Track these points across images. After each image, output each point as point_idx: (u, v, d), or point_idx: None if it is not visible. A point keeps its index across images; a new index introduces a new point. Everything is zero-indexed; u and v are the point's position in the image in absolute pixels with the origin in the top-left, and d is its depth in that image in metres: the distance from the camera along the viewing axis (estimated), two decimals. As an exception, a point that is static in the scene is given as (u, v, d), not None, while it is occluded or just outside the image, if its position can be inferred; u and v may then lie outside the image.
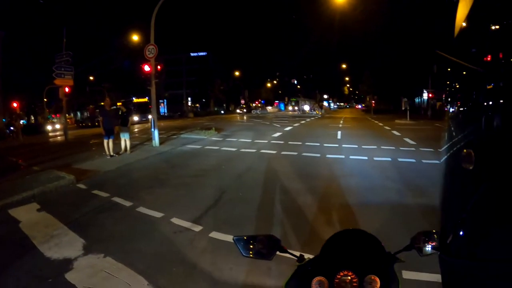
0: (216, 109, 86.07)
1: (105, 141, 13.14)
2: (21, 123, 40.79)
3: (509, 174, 1.17)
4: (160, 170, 10.84)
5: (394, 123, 29.45)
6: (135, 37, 31.44)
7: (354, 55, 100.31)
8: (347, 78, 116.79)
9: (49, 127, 41.92)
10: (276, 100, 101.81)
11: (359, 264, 1.42)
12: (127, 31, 45.41)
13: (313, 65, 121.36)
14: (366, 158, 11.61)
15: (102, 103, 16.37)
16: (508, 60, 1.29)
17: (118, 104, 26.54)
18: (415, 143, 15.21)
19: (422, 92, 49.92)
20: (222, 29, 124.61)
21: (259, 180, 8.90)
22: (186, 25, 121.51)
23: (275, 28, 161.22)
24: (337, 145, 14.99)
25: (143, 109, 52.94)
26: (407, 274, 3.66)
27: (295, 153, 12.97)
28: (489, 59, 1.36)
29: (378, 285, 1.37)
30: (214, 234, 5.32)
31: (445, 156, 1.55)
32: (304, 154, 12.81)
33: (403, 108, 37.79)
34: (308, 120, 38.72)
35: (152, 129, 16.54)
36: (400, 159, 11.20)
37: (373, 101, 62.15)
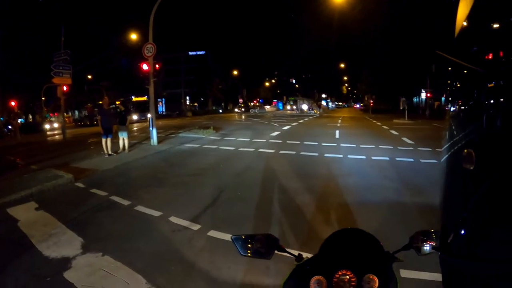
0: (214, 108, 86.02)
1: (104, 140, 13.14)
2: (19, 121, 40.79)
3: (511, 172, 1.17)
4: (158, 169, 10.83)
5: (392, 123, 29.50)
6: (133, 36, 31.35)
7: (353, 55, 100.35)
8: (345, 78, 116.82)
9: (47, 126, 41.85)
10: (275, 99, 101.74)
11: (358, 264, 1.42)
12: (126, 29, 45.17)
13: (311, 65, 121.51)
14: (364, 157, 11.63)
15: (101, 102, 16.35)
16: (508, 58, 1.29)
17: (117, 103, 26.51)
18: (413, 142, 15.25)
19: (420, 92, 49.96)
20: (220, 28, 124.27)
21: (257, 179, 8.91)
22: (185, 24, 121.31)
23: (273, 27, 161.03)
24: (335, 144, 15.00)
25: (142, 108, 52.96)
26: (404, 273, 3.67)
27: (293, 152, 12.98)
28: (490, 57, 1.36)
29: (377, 284, 1.37)
30: (213, 233, 5.33)
31: (446, 155, 1.53)
32: (302, 153, 12.82)
33: (401, 108, 37.81)
34: (306, 119, 38.73)
35: (150, 128, 16.51)
36: (398, 159, 11.22)
37: (371, 101, 62.29)
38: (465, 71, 1.62)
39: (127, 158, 12.81)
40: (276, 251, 1.62)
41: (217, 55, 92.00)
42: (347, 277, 1.39)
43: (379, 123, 29.34)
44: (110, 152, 13.23)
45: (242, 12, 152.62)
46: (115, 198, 7.47)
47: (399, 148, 13.66)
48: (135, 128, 31.25)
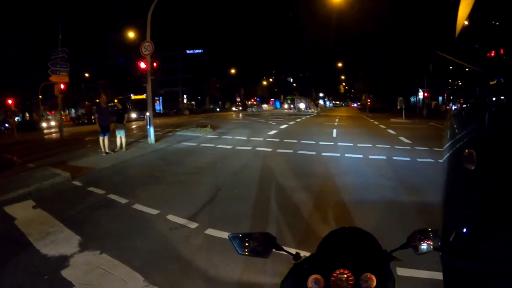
0: (211, 106, 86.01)
1: (101, 138, 13.13)
2: (16, 120, 40.59)
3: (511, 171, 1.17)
4: (155, 168, 10.83)
5: (390, 122, 29.56)
6: (131, 34, 31.26)
7: (350, 54, 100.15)
8: (343, 77, 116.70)
9: (44, 124, 41.70)
10: (272, 98, 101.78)
11: (355, 262, 1.43)
12: (123, 27, 45.12)
13: (309, 63, 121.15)
14: (361, 156, 11.65)
15: (98, 100, 16.33)
16: (509, 56, 1.29)
17: (115, 101, 26.47)
18: (410, 142, 15.28)
19: (418, 91, 50.03)
20: (218, 27, 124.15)
21: (254, 177, 8.91)
22: (182, 22, 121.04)
23: (271, 26, 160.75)
24: (332, 143, 15.02)
25: (141, 106, 52.88)
26: (401, 271, 3.69)
27: (291, 151, 12.99)
28: (492, 54, 1.36)
29: (374, 283, 1.37)
30: (210, 231, 5.34)
31: (447, 154, 1.53)
32: (299, 152, 12.83)
33: (398, 107, 37.91)
34: (303, 118, 38.74)
35: (148, 127, 16.49)
36: (395, 158, 11.24)
37: (369, 100, 62.29)
38: (467, 69, 1.62)
39: (124, 156, 12.80)
40: (273, 250, 1.61)
41: (214, 54, 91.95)
42: (345, 276, 1.39)
43: (376, 122, 29.38)
44: (107, 151, 13.22)
45: (240, 11, 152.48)
46: (112, 196, 7.47)
47: (396, 147, 13.69)
48: (134, 126, 31.25)
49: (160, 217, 6.09)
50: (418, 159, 10.91)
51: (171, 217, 6.00)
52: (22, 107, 67.41)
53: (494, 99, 1.34)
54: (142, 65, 16.57)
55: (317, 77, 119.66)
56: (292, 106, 78.94)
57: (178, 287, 3.85)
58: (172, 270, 4.18)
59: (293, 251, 1.62)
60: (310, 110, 64.66)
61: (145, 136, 17.41)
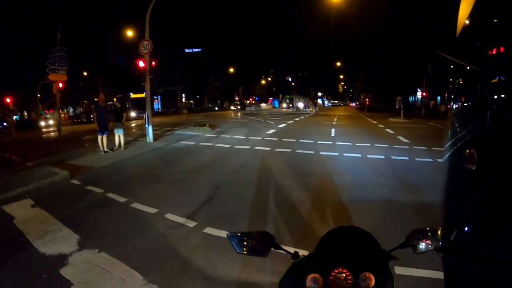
0: (210, 105, 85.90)
1: (99, 137, 13.11)
2: (14, 118, 40.53)
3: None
4: (154, 166, 10.83)
5: (388, 121, 29.60)
6: (129, 33, 31.21)
7: (349, 53, 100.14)
8: (341, 76, 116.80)
9: (42, 123, 41.65)
10: (270, 97, 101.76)
11: (354, 261, 1.42)
12: (122, 26, 45.06)
13: (308, 63, 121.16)
14: (359, 155, 11.67)
15: (96, 99, 16.31)
16: (509, 54, 1.29)
17: (114, 100, 26.44)
18: (408, 141, 15.31)
19: (416, 91, 50.09)
20: (217, 26, 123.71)
21: (253, 176, 8.92)
22: (181, 21, 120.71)
23: (270, 26, 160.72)
24: (331, 143, 15.04)
25: (140, 105, 52.82)
26: (399, 270, 3.70)
27: (289, 150, 13.00)
28: (494, 52, 1.36)
29: (373, 282, 1.37)
30: (208, 230, 5.35)
31: (448, 153, 1.52)
32: (298, 151, 12.84)
33: (397, 107, 37.95)
34: (302, 117, 38.76)
35: (146, 125, 16.49)
36: (393, 157, 11.26)
37: (367, 99, 62.33)
38: (468, 67, 1.63)
39: (123, 155, 12.80)
40: (272, 249, 1.61)
41: (213, 53, 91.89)
42: (344, 275, 1.39)
43: (374, 122, 29.41)
44: (105, 149, 13.21)
45: (238, 10, 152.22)
46: (111, 195, 7.47)
47: (394, 146, 13.72)
48: (133, 125, 31.21)
49: (159, 216, 6.10)
50: (417, 159, 10.93)
51: (169, 216, 6.01)
52: (20, 105, 67.33)
53: (495, 97, 1.35)
54: (141, 64, 16.55)
55: (315, 77, 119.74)
56: (290, 105, 78.90)
57: (176, 285, 3.85)
58: (170, 269, 4.19)
59: (292, 250, 1.62)
60: (309, 110, 64.67)
61: (144, 135, 17.41)
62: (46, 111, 66.74)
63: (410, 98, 59.55)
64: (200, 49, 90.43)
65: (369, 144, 14.25)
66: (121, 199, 7.15)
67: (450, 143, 1.58)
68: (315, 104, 75.70)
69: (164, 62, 70.80)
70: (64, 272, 4.13)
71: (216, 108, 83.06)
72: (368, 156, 11.53)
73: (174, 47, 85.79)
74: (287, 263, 1.58)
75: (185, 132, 20.22)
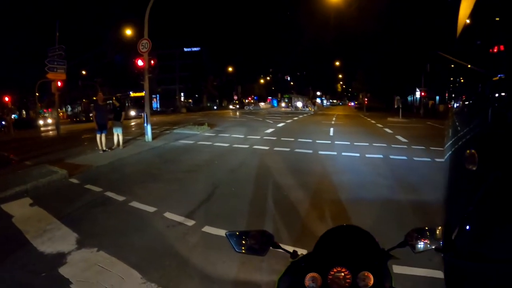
0: (209, 104, 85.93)
1: (98, 135, 13.09)
2: (12, 117, 40.44)
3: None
4: (153, 165, 10.83)
5: (387, 121, 29.62)
6: (128, 32, 31.18)
7: (348, 53, 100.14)
8: (340, 76, 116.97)
9: (41, 122, 41.60)
10: (269, 96, 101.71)
11: (353, 260, 1.42)
12: (121, 25, 44.99)
13: (306, 62, 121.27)
14: (358, 155, 11.68)
15: (95, 98, 16.29)
16: (509, 52, 1.30)
17: (113, 99, 26.42)
18: (407, 140, 15.33)
19: (415, 91, 50.16)
20: (216, 25, 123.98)
21: (251, 175, 8.93)
22: (180, 20, 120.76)
23: (269, 25, 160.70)
24: (329, 142, 15.05)
25: (140, 104, 52.74)
26: (397, 269, 3.71)
27: (288, 149, 13.01)
28: (495, 50, 1.36)
29: (372, 281, 1.37)
30: (207, 229, 5.35)
31: (449, 152, 1.52)
32: (296, 150, 12.85)
33: (395, 106, 37.92)
34: (300, 116, 38.77)
35: (145, 124, 16.48)
36: (392, 157, 11.28)
37: (366, 99, 62.37)
38: (469, 66, 1.63)
39: (121, 154, 12.78)
40: (270, 248, 1.61)
41: (212, 52, 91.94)
42: (342, 274, 1.39)
43: (373, 121, 29.45)
44: (104, 148, 13.19)
45: (237, 9, 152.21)
46: (109, 194, 7.47)
47: (393, 146, 13.73)
48: (132, 123, 31.18)
49: (157, 214, 6.10)
50: (415, 158, 10.94)
51: (168, 215, 6.01)
52: (18, 104, 67.24)
53: (496, 95, 1.35)
54: (140, 62, 16.54)
55: (314, 76, 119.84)
56: (289, 104, 78.90)
57: (175, 284, 3.86)
58: (169, 267, 4.19)
59: (290, 249, 1.63)
60: (307, 109, 64.63)
61: (143, 133, 17.39)
62: (45, 110, 66.77)
63: (409, 98, 59.60)
64: (199, 48, 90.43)
65: (367, 144, 14.26)
66: (120, 198, 7.15)
67: (451, 142, 1.58)
68: (314, 103, 75.63)
69: (163, 61, 70.73)
70: (63, 270, 4.13)
71: (215, 107, 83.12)
72: (367, 155, 11.54)
73: (173, 46, 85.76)
74: (285, 262, 1.58)
75: (184, 131, 20.21)
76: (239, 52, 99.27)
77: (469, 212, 1.29)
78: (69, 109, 75.56)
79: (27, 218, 6.13)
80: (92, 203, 6.96)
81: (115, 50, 70.68)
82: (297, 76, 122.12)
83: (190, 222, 5.65)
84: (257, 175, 8.92)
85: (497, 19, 1.42)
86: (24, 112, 70.28)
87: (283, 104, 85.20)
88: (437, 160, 10.33)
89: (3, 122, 33.62)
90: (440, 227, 1.55)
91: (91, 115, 21.27)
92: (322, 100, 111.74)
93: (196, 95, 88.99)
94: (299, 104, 71.89)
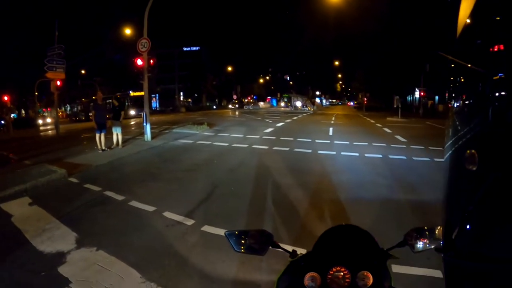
0: (208, 104, 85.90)
1: (97, 135, 13.08)
2: (11, 116, 40.42)
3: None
4: (152, 165, 10.83)
5: (386, 121, 29.64)
6: (128, 31, 31.15)
7: (348, 53, 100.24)
8: (339, 75, 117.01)
9: (40, 121, 41.58)
10: (269, 96, 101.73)
11: (352, 260, 1.43)
12: (120, 25, 44.97)
13: (306, 62, 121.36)
14: (357, 154, 11.69)
15: (95, 97, 16.31)
16: (509, 52, 1.30)
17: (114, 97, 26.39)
18: (406, 140, 15.35)
19: (414, 91, 50.15)
20: (215, 24, 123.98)
21: (251, 175, 8.93)
22: (179, 20, 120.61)
23: (269, 24, 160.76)
24: (328, 141, 15.07)
25: (140, 103, 52.70)
26: (396, 268, 3.71)
27: (287, 149, 13.01)
28: (495, 49, 1.36)
29: (371, 281, 1.38)
30: (206, 228, 5.35)
31: (449, 152, 1.51)
32: (295, 149, 12.85)
33: (395, 106, 37.94)
34: (300, 116, 38.77)
35: (144, 124, 16.47)
36: (391, 156, 11.29)
37: (365, 99, 62.38)
38: (469, 65, 1.63)
39: (120, 153, 12.78)
40: (270, 247, 1.61)
41: (211, 51, 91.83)
42: (342, 273, 1.39)
43: (372, 121, 29.47)
44: (103, 148, 13.18)
45: (237, 9, 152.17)
46: (109, 193, 7.47)
47: (392, 145, 13.74)
48: (132, 123, 31.16)
49: (157, 214, 6.11)
50: (414, 158, 10.95)
51: (167, 214, 6.01)
52: (18, 103, 67.13)
53: (497, 94, 1.35)
54: (139, 62, 16.55)
55: (314, 75, 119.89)
56: (288, 104, 79.00)
57: (174, 283, 3.86)
58: (168, 267, 4.20)
59: (290, 248, 1.63)
60: (307, 108, 64.63)
61: (142, 133, 17.38)
62: (44, 109, 66.66)
63: (408, 98, 59.61)
64: (198, 48, 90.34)
65: (366, 143, 14.27)
66: (119, 197, 7.15)
67: (451, 141, 1.58)
68: (313, 103, 75.59)
69: (162, 60, 70.66)
70: (62, 270, 4.13)
71: (214, 107, 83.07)
72: (366, 155, 11.55)
73: (172, 45, 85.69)
74: (285, 262, 1.58)
75: (183, 131, 20.21)
76: (238, 51, 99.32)
77: (469, 212, 1.29)
78: (69, 108, 75.50)
79: (26, 217, 6.13)
80: (92, 202, 6.96)
81: (114, 49, 70.65)
82: (297, 76, 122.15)
83: (190, 222, 5.66)
84: (256, 175, 8.92)
85: (497, 18, 1.42)
86: (23, 112, 70.20)
87: (282, 104, 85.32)
88: (436, 159, 10.34)
89: (3, 122, 33.58)
90: (439, 227, 1.56)
91: (90, 114, 21.26)
92: (321, 100, 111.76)
93: (196, 95, 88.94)
94: (299, 103, 71.94)
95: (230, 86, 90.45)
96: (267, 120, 30.11)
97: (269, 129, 21.03)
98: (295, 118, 34.38)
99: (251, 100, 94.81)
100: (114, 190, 7.65)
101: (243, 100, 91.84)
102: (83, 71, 69.03)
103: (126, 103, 47.75)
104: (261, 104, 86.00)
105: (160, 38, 68.69)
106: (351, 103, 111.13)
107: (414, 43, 42.69)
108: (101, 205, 6.80)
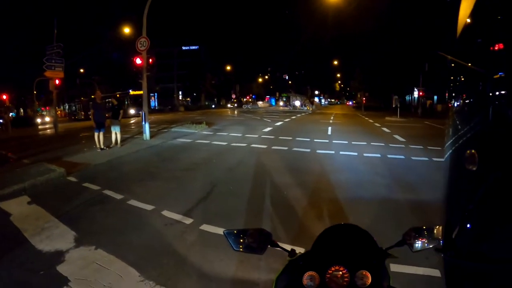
0: (207, 103, 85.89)
1: (96, 134, 13.08)
2: (10, 115, 40.33)
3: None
4: (151, 164, 10.83)
5: (384, 120, 29.64)
6: (126, 30, 31.08)
7: (347, 52, 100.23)
8: (338, 75, 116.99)
9: (38, 120, 41.50)
10: (267, 95, 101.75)
11: (351, 259, 1.43)
12: (119, 23, 44.90)
13: (305, 61, 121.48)
14: (356, 154, 11.69)
15: (93, 96, 16.30)
16: (509, 51, 1.30)
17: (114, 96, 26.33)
18: (404, 140, 15.36)
19: (413, 90, 50.23)
20: (214, 23, 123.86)
21: (249, 174, 8.93)
22: (178, 19, 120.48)
23: (268, 24, 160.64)
24: (327, 141, 15.07)
25: (139, 102, 52.53)
26: (394, 267, 3.72)
27: (286, 148, 13.02)
28: (496, 48, 1.37)
29: (369, 280, 1.38)
30: (205, 227, 5.36)
31: (450, 151, 1.52)
32: (294, 149, 12.86)
33: (393, 106, 37.99)
34: (298, 115, 38.77)
35: (143, 123, 16.46)
36: (389, 156, 11.30)
37: (364, 98, 62.40)
38: (470, 64, 1.63)
39: (119, 152, 12.77)
40: (269, 246, 1.61)
41: (210, 50, 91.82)
42: (340, 273, 1.39)
43: (371, 121, 29.48)
44: (102, 146, 13.18)
45: (236, 8, 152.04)
46: (107, 192, 7.46)
47: (390, 145, 13.76)
48: (132, 122, 31.11)
49: (155, 213, 6.11)
50: (413, 157, 10.96)
51: (166, 213, 6.02)
52: (16, 102, 67.00)
53: (497, 93, 1.35)
54: (138, 61, 16.54)
55: (312, 75, 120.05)
56: (287, 103, 78.98)
57: (173, 282, 3.86)
58: (167, 266, 4.20)
59: (288, 247, 1.63)
60: (305, 108, 64.65)
61: (141, 132, 17.36)
62: (43, 108, 66.54)
63: (407, 98, 59.66)
64: (197, 47, 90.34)
65: (365, 143, 14.28)
66: (118, 196, 7.15)
67: (451, 141, 1.58)
68: (312, 102, 75.65)
69: (161, 59, 70.71)
70: (61, 268, 4.13)
71: (213, 106, 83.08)
72: (365, 154, 11.56)
73: (171, 44, 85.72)
74: (283, 261, 1.58)
75: (182, 130, 20.19)
76: (237, 51, 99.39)
77: (469, 211, 1.29)
78: (67, 107, 75.31)
79: (25, 216, 6.13)
80: (90, 201, 6.96)
81: (113, 48, 70.50)
82: (295, 75, 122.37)
83: (188, 221, 5.66)
84: (255, 174, 8.92)
85: (497, 18, 1.42)
86: (22, 110, 70.07)
87: (281, 103, 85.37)
88: (435, 159, 10.35)
89: (1, 120, 33.45)
90: (438, 227, 1.56)
91: (89, 113, 21.25)
92: (320, 99, 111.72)
93: (194, 94, 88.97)
94: (297, 103, 71.96)
95: (229, 85, 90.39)
96: (265, 120, 30.11)
97: (268, 128, 21.04)
98: (293, 117, 34.38)
99: (250, 100, 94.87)
100: (113, 189, 7.64)
101: (242, 99, 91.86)
102: (82, 70, 68.92)
103: (126, 102, 47.53)
104: (260, 103, 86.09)
105: (159, 37, 68.79)
106: (350, 103, 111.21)
107: (414, 43, 42.72)
108: (100, 204, 6.79)
